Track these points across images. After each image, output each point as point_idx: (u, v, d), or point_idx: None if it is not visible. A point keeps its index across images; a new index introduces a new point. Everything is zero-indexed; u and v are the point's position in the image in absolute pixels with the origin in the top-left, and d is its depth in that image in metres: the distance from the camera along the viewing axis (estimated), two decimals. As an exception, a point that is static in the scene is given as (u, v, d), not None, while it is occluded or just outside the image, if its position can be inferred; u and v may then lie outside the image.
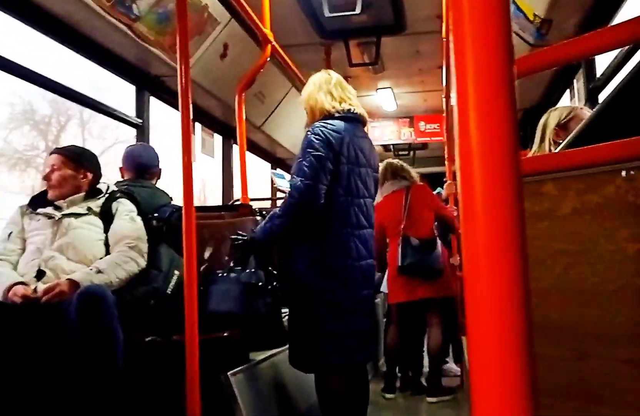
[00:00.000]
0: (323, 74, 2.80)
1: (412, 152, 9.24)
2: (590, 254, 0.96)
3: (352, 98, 2.74)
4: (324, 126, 2.55)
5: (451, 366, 4.96)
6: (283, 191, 4.52)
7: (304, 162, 2.49)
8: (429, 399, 4.16)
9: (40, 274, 2.47)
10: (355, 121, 2.69)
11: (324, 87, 2.71)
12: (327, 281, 2.53)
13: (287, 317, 3.05)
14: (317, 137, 2.52)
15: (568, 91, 4.86)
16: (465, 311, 0.53)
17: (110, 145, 17.42)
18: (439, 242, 4.17)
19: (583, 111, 2.72)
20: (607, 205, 0.95)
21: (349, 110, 2.66)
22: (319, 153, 2.48)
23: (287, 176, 5.44)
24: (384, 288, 4.50)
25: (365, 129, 2.89)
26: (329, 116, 2.64)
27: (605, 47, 1.16)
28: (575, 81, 4.55)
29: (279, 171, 7.14)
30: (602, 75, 3.85)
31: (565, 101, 4.94)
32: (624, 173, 0.93)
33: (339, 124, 2.59)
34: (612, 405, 0.94)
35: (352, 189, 2.59)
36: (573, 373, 0.97)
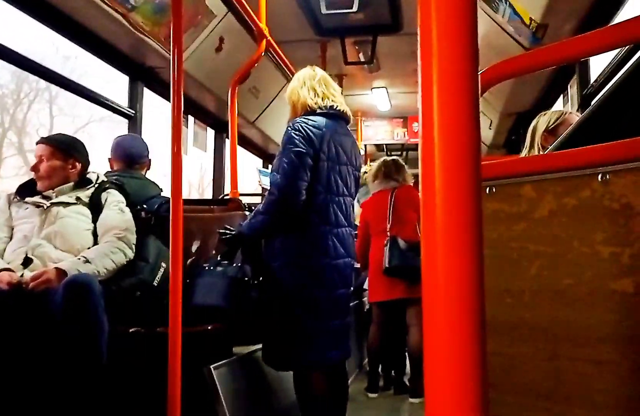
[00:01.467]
0: (308, 69, 2.79)
1: (405, 153, 9.26)
2: (565, 257, 0.97)
3: (336, 95, 2.72)
4: (304, 122, 2.55)
5: None
6: (267, 188, 4.54)
7: (284, 158, 2.49)
8: (412, 399, 4.18)
9: (27, 262, 2.46)
10: (337, 117, 2.68)
11: (308, 82, 2.70)
12: (304, 279, 2.52)
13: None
14: (297, 133, 2.51)
15: (562, 96, 4.87)
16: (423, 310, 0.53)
17: (83, 124, 16.12)
18: None
19: (572, 115, 2.73)
20: (583, 208, 0.96)
21: (331, 106, 2.66)
22: (299, 149, 2.47)
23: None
24: (367, 285, 4.51)
25: (358, 129, 2.89)
26: (311, 111, 2.64)
27: (598, 49, 1.17)
28: (569, 86, 4.56)
29: (264, 168, 7.15)
30: (595, 81, 3.87)
31: (559, 106, 4.95)
32: (600, 177, 0.94)
33: (320, 120, 2.58)
34: (581, 404, 0.95)
35: (332, 187, 2.58)
36: (545, 373, 0.98)
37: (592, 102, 1.30)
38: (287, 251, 2.55)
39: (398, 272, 4.05)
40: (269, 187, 2.57)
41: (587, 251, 0.95)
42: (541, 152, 2.56)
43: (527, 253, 1.01)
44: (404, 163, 4.50)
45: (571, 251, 0.96)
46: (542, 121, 2.69)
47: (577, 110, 3.96)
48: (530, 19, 3.85)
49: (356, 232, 2.81)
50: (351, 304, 3.07)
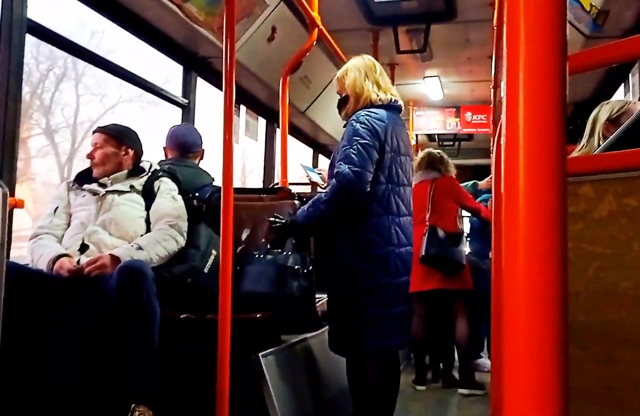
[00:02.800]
0: (366, 60, 2.77)
1: (457, 143, 9.10)
2: (624, 259, 0.93)
3: (393, 89, 2.75)
4: (368, 115, 2.56)
5: (485, 361, 4.89)
6: (315, 183, 4.53)
7: (351, 149, 2.49)
8: (461, 390, 4.14)
9: (83, 248, 2.54)
10: (395, 110, 2.71)
11: (370, 76, 2.70)
12: (368, 266, 2.54)
13: (320, 302, 3.09)
14: (363, 126, 2.52)
15: (623, 85, 4.70)
16: (498, 309, 0.52)
17: (112, 105, 14.97)
18: (464, 237, 4.19)
19: (636, 105, 2.63)
20: (643, 209, 0.92)
21: (391, 100, 2.68)
22: (366, 141, 2.49)
23: (319, 167, 5.42)
24: None
25: (410, 118, 2.89)
26: (372, 104, 2.64)
27: None
28: (630, 75, 4.40)
29: (313, 158, 7.15)
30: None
31: (619, 95, 4.78)
32: None
33: (382, 113, 2.60)
34: (634, 411, 0.91)
35: (394, 178, 2.60)
36: (597, 376, 0.95)
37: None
38: (352, 240, 2.58)
39: (434, 261, 4.04)
40: (331, 178, 2.57)
41: (648, 253, 0.91)
42: (602, 142, 2.47)
43: (584, 254, 0.98)
44: (446, 155, 4.48)
45: (630, 253, 0.92)
46: (604, 111, 2.59)
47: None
48: (591, 5, 3.72)
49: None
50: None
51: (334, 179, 2.52)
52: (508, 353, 0.49)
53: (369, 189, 2.50)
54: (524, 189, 0.49)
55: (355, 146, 2.49)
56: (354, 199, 2.49)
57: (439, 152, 4.51)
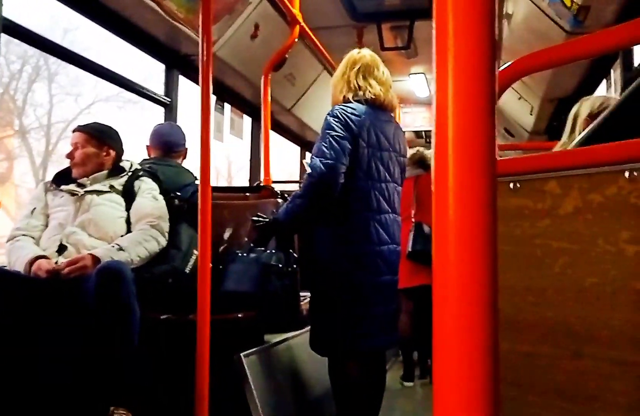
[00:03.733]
0: (354, 54, 2.77)
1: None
2: (590, 254, 0.94)
3: (375, 86, 2.67)
4: (342, 109, 2.56)
5: None
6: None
7: (323, 143, 2.49)
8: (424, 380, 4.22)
9: (61, 249, 2.52)
10: (376, 106, 2.66)
11: (347, 73, 2.71)
12: (347, 265, 2.53)
13: (304, 301, 3.09)
14: (335, 119, 2.52)
15: (605, 81, 4.72)
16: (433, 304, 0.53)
17: (88, 104, 14.67)
18: None
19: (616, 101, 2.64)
20: (608, 205, 0.92)
21: (368, 98, 2.63)
22: (338, 133, 2.48)
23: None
24: None
25: (396, 115, 2.86)
26: (349, 100, 2.64)
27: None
28: (612, 70, 4.42)
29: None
30: (639, 65, 3.74)
31: (601, 91, 4.80)
32: (627, 174, 0.90)
33: (359, 107, 2.58)
34: (604, 406, 0.92)
35: (373, 173, 2.58)
36: (567, 373, 0.96)
37: (620, 95, 1.25)
38: (331, 238, 2.57)
39: (421, 257, 4.06)
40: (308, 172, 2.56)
41: (612, 249, 0.91)
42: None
43: (550, 251, 0.99)
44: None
45: (596, 249, 0.93)
46: (584, 106, 2.60)
47: (621, 95, 3.83)
48: (572, 1, 3.73)
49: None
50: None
51: (307, 174, 2.52)
52: (437, 350, 0.49)
53: (342, 180, 2.48)
54: (453, 189, 0.49)
55: (327, 139, 2.49)
56: (328, 191, 2.47)
57: (429, 153, 4.54)
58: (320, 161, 2.46)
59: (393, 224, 2.68)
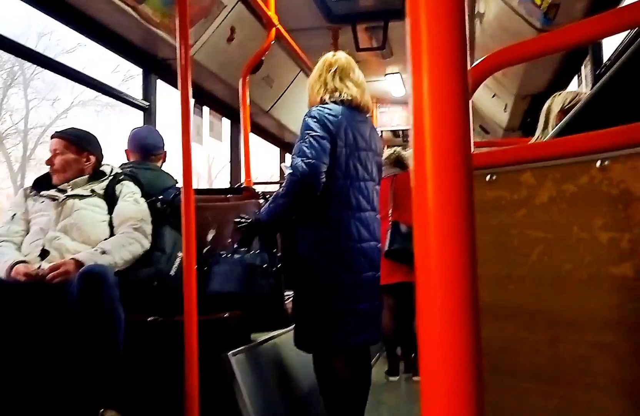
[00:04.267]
0: (329, 57, 2.83)
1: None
2: (565, 242, 0.98)
3: (352, 87, 2.72)
4: (320, 110, 2.61)
5: None
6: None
7: (303, 143, 2.53)
8: (415, 378, 4.27)
9: (44, 254, 2.52)
10: (351, 107, 2.70)
11: (323, 75, 2.76)
12: (329, 262, 2.57)
13: (289, 299, 3.11)
14: (313, 119, 2.57)
15: (576, 76, 4.82)
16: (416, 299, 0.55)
17: (65, 109, 14.60)
18: None
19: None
20: (581, 194, 0.97)
21: (344, 100, 2.68)
22: (317, 133, 2.53)
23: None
24: None
25: (373, 115, 2.89)
26: (325, 102, 2.68)
27: (611, 30, 1.17)
28: (583, 66, 4.52)
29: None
30: (608, 60, 3.83)
31: (573, 86, 4.90)
32: (598, 164, 0.95)
33: (335, 108, 2.63)
34: (583, 388, 0.96)
35: (351, 172, 2.62)
36: (546, 357, 1.00)
37: (591, 89, 1.30)
38: (312, 237, 2.62)
39: (398, 256, 4.13)
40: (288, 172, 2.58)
41: (587, 236, 0.96)
42: None
43: (527, 240, 1.03)
44: (409, 153, 4.58)
45: (570, 237, 0.97)
46: (556, 102, 2.66)
47: (591, 90, 3.92)
48: (542, -1, 3.81)
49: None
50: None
51: (289, 173, 2.55)
52: (423, 341, 0.52)
53: (324, 179, 2.52)
54: (432, 182, 0.51)
55: (307, 139, 2.53)
56: (310, 191, 2.52)
57: (406, 152, 4.62)
58: (301, 160, 2.50)
59: (373, 221, 2.72)
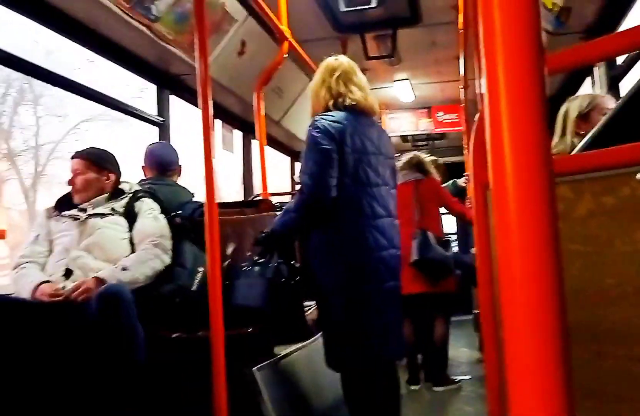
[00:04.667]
0: (331, 61, 2.76)
1: (430, 143, 9.21)
2: (606, 256, 0.98)
3: (355, 92, 2.65)
4: (323, 119, 2.55)
5: None
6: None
7: (309, 158, 2.49)
8: (436, 388, 4.26)
9: (68, 273, 2.54)
10: (356, 111, 2.63)
11: (327, 80, 2.68)
12: (348, 275, 2.48)
13: (310, 311, 3.11)
14: (317, 131, 2.51)
15: (589, 78, 4.80)
16: (486, 306, 0.55)
17: (74, 124, 14.27)
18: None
19: (604, 99, 2.69)
20: (622, 207, 0.96)
21: (348, 105, 2.62)
22: (323, 146, 2.47)
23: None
24: None
25: (382, 120, 2.85)
26: (329, 109, 2.62)
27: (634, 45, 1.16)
28: (595, 68, 4.50)
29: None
30: (623, 62, 3.82)
31: (586, 88, 4.88)
32: (638, 175, 0.94)
33: (339, 115, 2.56)
34: (629, 404, 0.96)
35: (362, 178, 2.54)
36: (590, 373, 1.00)
37: (622, 96, 1.29)
38: (326, 249, 2.54)
39: (427, 265, 4.10)
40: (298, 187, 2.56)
41: (629, 249, 0.96)
42: (575, 140, 2.50)
43: (567, 254, 1.02)
44: (428, 158, 4.59)
45: (612, 250, 0.97)
46: (573, 107, 2.63)
47: (606, 92, 3.91)
48: (553, 2, 3.81)
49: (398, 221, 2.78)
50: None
51: (298, 190, 2.51)
52: (510, 354, 0.51)
53: (333, 194, 2.46)
54: (513, 189, 0.50)
55: (312, 154, 2.49)
56: (319, 206, 2.47)
57: (424, 157, 4.62)
58: (308, 177, 2.47)
59: (391, 228, 2.62)
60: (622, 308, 0.96)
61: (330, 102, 2.62)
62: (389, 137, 2.83)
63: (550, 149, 0.52)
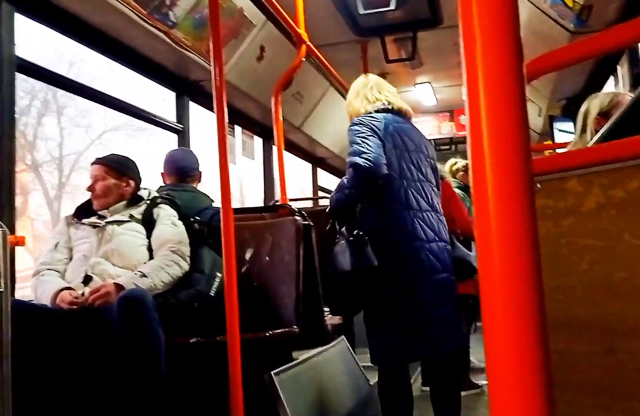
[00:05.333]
0: (361, 79, 2.85)
1: (454, 147, 9.14)
2: (616, 249, 0.96)
3: (390, 96, 2.74)
4: (363, 118, 2.59)
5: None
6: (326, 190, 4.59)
7: (355, 145, 2.48)
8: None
9: (87, 280, 2.57)
10: (391, 112, 2.68)
11: (361, 92, 2.76)
12: (399, 267, 2.48)
13: (328, 316, 3.11)
14: (359, 126, 2.54)
15: (612, 77, 4.73)
16: (481, 310, 0.54)
17: (98, 135, 14.34)
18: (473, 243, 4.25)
19: (625, 96, 2.65)
20: (631, 200, 0.94)
21: (385, 107, 2.67)
22: (366, 133, 2.49)
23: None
24: None
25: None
26: (368, 112, 2.67)
27: None
28: (619, 66, 4.43)
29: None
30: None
31: (609, 86, 4.81)
32: None
33: (378, 115, 2.61)
34: (643, 400, 0.93)
35: (406, 173, 2.56)
36: (603, 369, 0.97)
37: (636, 91, 1.26)
38: (375, 241, 2.48)
39: (456, 265, 4.08)
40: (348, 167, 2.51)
41: (639, 243, 0.93)
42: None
43: (576, 248, 1.00)
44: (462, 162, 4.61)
45: (622, 244, 0.95)
46: (593, 104, 2.60)
47: (630, 90, 3.84)
48: (574, 1, 3.76)
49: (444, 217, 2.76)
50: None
51: (350, 168, 2.49)
52: (490, 355, 0.51)
53: (385, 170, 2.46)
54: (492, 192, 0.50)
55: (358, 140, 2.48)
56: (372, 182, 2.45)
57: (464, 161, 4.63)
58: (359, 156, 2.44)
59: (438, 222, 2.63)
60: (632, 303, 0.93)
61: (369, 107, 2.68)
62: (428, 139, 2.85)
63: (529, 151, 0.51)
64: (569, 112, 5.77)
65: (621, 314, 0.96)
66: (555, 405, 0.50)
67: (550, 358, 0.50)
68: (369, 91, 2.74)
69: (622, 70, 4.27)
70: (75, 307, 2.43)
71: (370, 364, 2.65)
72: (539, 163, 1.13)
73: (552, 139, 6.10)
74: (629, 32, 1.11)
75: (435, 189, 2.73)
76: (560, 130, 6.11)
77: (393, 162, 2.53)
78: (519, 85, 0.53)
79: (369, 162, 2.41)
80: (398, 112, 2.70)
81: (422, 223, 2.53)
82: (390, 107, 2.68)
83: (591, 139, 2.50)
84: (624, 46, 2.72)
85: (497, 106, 0.53)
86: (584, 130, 2.60)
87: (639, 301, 0.93)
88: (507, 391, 0.50)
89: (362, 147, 2.45)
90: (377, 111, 2.64)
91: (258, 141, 5.64)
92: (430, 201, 2.63)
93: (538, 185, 1.06)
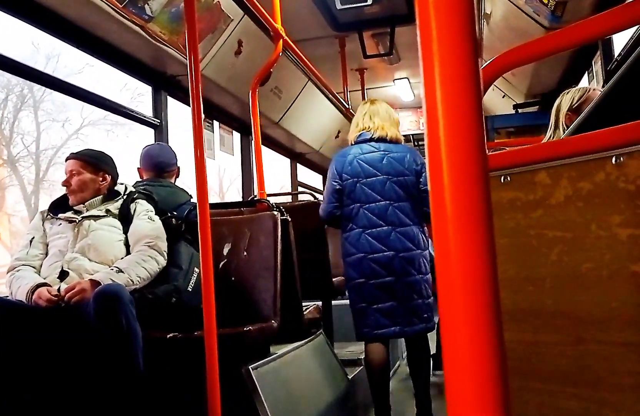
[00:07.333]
0: (362, 104, 3.43)
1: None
2: (584, 241, 0.97)
3: (380, 122, 3.25)
4: (337, 154, 3.35)
5: None
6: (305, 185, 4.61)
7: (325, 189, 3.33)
8: (437, 372, 4.32)
9: (63, 275, 2.54)
10: (363, 141, 3.25)
11: (357, 118, 3.37)
12: (349, 270, 3.19)
13: (307, 310, 3.15)
14: (331, 164, 3.30)
15: (587, 73, 4.79)
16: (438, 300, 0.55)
17: (75, 129, 14.60)
18: None
19: (596, 92, 2.69)
20: (598, 192, 0.96)
21: (360, 136, 3.27)
22: (329, 177, 3.29)
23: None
24: None
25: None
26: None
27: (621, 26, 1.16)
28: (593, 62, 4.49)
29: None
30: (619, 55, 3.80)
31: (584, 83, 4.87)
32: (613, 160, 0.94)
33: (348, 150, 3.28)
34: (610, 388, 0.95)
35: (360, 197, 3.16)
36: (571, 358, 0.99)
37: (605, 87, 1.29)
38: (341, 252, 3.27)
39: None
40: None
41: (605, 234, 0.95)
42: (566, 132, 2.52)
43: (545, 240, 1.02)
44: None
45: (589, 235, 0.97)
46: (565, 100, 2.65)
47: (603, 86, 3.90)
48: (548, -3, 3.80)
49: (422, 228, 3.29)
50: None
51: None
52: (447, 347, 0.51)
53: (337, 212, 3.24)
54: (449, 186, 0.51)
55: (326, 185, 3.34)
56: (329, 222, 3.38)
57: None
58: (320, 207, 3.34)
59: (390, 234, 3.12)
60: (599, 293, 0.95)
61: (352, 136, 3.34)
62: (406, 158, 3.23)
63: (484, 147, 0.52)
64: (545, 108, 5.84)
65: (589, 305, 0.98)
66: (510, 391, 0.51)
67: (505, 346, 0.50)
68: (361, 118, 3.32)
69: (596, 66, 4.32)
70: (52, 304, 2.40)
71: (348, 358, 2.73)
72: (509, 156, 1.15)
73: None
74: (598, 26, 1.14)
75: (395, 204, 3.17)
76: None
77: (349, 188, 3.20)
78: (474, 78, 0.53)
79: (324, 213, 3.29)
80: (378, 139, 3.23)
81: (369, 238, 3.13)
82: (364, 136, 3.25)
83: (563, 134, 2.55)
84: (594, 39, 2.76)
85: (453, 101, 0.53)
86: (556, 126, 2.64)
87: (606, 291, 0.95)
88: (462, 378, 0.51)
89: (324, 195, 3.33)
90: (356, 142, 3.27)
91: (237, 137, 5.62)
92: (382, 217, 3.15)
93: (509, 178, 1.08)
